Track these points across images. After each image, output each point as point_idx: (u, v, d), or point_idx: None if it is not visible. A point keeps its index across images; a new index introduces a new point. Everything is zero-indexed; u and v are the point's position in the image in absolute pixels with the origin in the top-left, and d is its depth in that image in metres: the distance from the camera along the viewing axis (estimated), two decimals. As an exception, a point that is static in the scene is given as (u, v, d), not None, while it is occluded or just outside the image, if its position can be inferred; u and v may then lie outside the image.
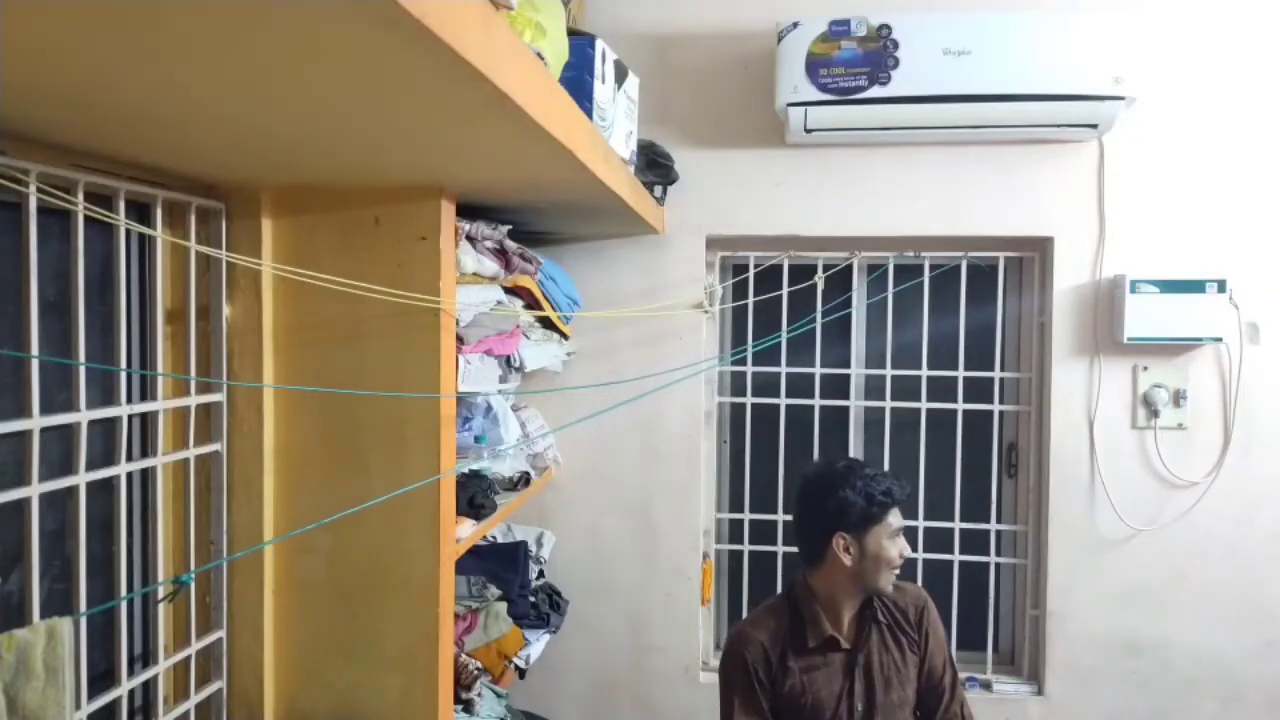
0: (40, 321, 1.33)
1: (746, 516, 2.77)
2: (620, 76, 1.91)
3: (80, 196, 1.34)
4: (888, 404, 2.69)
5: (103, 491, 1.48)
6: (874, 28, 2.31)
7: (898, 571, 1.82)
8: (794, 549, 2.83)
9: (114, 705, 1.49)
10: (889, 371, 2.69)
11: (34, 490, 1.30)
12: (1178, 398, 2.50)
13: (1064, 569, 2.55)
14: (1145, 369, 2.51)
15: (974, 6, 2.37)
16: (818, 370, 2.71)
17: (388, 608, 1.74)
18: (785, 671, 1.83)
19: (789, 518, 2.76)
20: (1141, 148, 2.48)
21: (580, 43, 1.69)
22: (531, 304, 2.24)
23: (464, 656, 1.99)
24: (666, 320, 2.63)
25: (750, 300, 2.66)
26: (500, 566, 2.35)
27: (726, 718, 1.88)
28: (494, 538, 2.52)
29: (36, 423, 1.30)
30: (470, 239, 1.86)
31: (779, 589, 2.58)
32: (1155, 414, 2.49)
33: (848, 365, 2.74)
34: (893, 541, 1.79)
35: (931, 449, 2.67)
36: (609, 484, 2.68)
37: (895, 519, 1.80)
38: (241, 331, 1.73)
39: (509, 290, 2.11)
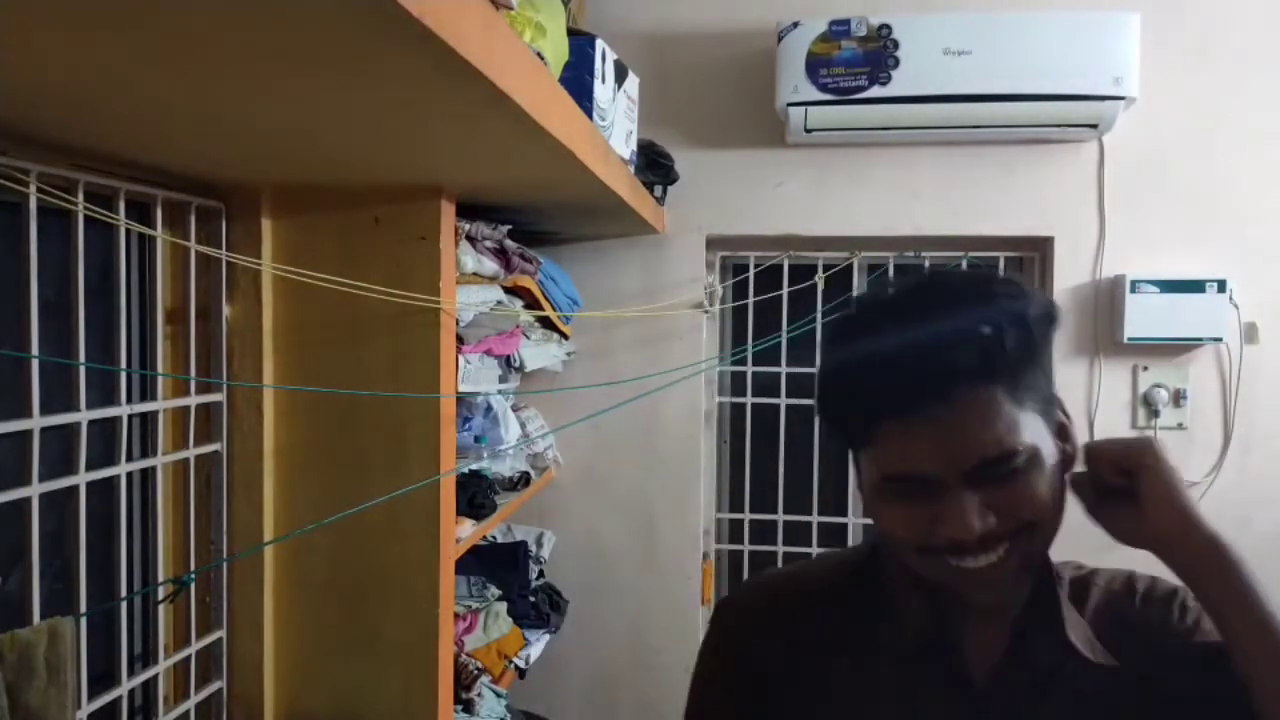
0: (40, 321, 1.33)
1: (746, 516, 2.77)
2: (620, 76, 1.91)
3: (80, 196, 1.34)
4: (888, 404, 2.68)
5: (103, 491, 1.48)
6: (874, 28, 2.31)
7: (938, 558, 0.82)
8: (792, 549, 2.88)
9: (114, 705, 1.49)
10: (889, 371, 2.68)
11: (34, 490, 1.30)
12: (1178, 398, 2.49)
13: (1064, 569, 2.55)
14: (1145, 369, 2.51)
15: (974, 6, 2.37)
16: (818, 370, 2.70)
17: (388, 608, 1.74)
18: (822, 687, 0.90)
19: (790, 518, 2.74)
20: (1141, 148, 2.47)
21: (580, 43, 1.69)
22: (531, 304, 2.24)
23: (464, 656, 1.99)
24: (666, 320, 2.63)
25: (750, 300, 2.66)
26: (500, 566, 2.35)
27: None
28: (494, 538, 2.52)
29: (36, 423, 1.30)
30: (470, 239, 1.86)
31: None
32: (1155, 414, 2.49)
33: (848, 365, 2.73)
34: (891, 485, 0.82)
35: (931, 449, 2.66)
36: (609, 484, 2.68)
37: (899, 434, 0.80)
38: (241, 331, 1.73)
39: (509, 290, 2.11)
